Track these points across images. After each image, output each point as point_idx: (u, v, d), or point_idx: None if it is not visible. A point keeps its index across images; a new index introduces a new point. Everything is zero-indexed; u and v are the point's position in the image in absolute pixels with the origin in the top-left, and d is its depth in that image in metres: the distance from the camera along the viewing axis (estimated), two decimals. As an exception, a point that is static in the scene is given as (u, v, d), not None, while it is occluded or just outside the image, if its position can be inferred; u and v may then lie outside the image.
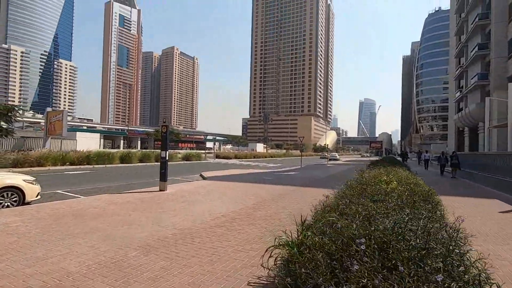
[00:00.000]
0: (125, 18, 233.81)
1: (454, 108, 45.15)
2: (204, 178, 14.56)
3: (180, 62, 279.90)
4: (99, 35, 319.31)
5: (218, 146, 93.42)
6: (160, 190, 9.48)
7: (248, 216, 6.05)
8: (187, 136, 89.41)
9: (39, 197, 7.53)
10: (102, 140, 49.40)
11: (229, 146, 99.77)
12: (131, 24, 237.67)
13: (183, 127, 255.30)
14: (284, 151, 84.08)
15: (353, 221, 2.98)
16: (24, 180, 7.18)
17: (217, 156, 37.39)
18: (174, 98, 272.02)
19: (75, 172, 15.49)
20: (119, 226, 5.09)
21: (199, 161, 28.28)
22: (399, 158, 36.65)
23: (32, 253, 3.79)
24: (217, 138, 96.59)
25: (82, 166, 17.96)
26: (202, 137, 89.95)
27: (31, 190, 7.25)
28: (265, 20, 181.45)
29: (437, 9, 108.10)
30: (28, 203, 7.14)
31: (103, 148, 45.69)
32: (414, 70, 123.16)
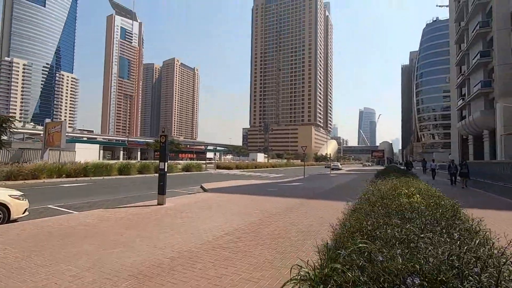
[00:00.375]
0: (126, 30, 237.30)
1: (457, 116, 44.80)
2: (205, 190, 13.97)
3: (181, 73, 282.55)
4: (101, 48, 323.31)
5: (218, 157, 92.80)
6: (158, 204, 8.89)
7: (255, 235, 5.46)
8: (188, 146, 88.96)
9: (27, 213, 6.96)
10: (101, 151, 48.86)
11: (229, 156, 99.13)
12: (132, 37, 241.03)
13: (184, 138, 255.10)
14: (285, 160, 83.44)
15: (392, 249, 2.41)
16: (10, 195, 6.62)
17: (218, 167, 36.77)
18: (175, 109, 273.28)
19: (71, 185, 14.90)
20: (109, 249, 4.50)
21: (199, 172, 27.65)
22: (402, 167, 35.96)
23: (3, 286, 3.21)
24: (218, 148, 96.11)
25: (79, 178, 17.38)
26: (203, 147, 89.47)
27: (18, 206, 6.69)
28: (264, 31, 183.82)
29: (434, 19, 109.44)
30: (15, 220, 6.56)
31: (103, 159, 45.09)
32: (413, 79, 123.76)
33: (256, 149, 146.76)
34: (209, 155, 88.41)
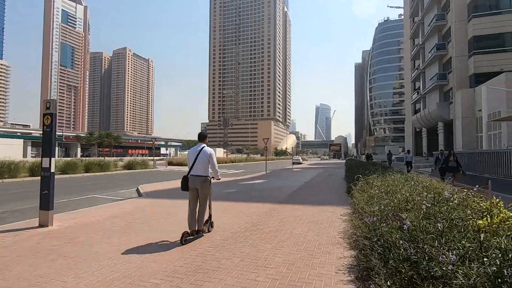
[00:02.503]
0: (69, 14, 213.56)
1: (411, 110, 46.19)
2: (140, 194, 10.59)
3: (134, 64, 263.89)
4: (39, 32, 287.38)
5: (175, 152, 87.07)
6: (40, 226, 5.47)
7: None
8: (139, 141, 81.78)
9: None
10: (29, 147, 41.39)
11: (186, 152, 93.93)
12: (76, 21, 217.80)
13: (138, 133, 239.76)
14: (246, 155, 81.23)
15: None
16: None
17: (170, 163, 32.67)
18: (127, 102, 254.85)
19: None
20: None
21: (145, 170, 23.58)
22: (363, 160, 35.64)
23: None
24: (173, 143, 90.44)
25: (-39, 183, 12.65)
26: (157, 142, 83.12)
27: None
28: (223, 24, 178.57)
29: (385, 19, 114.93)
30: None
31: (31, 157, 38.13)
32: (366, 77, 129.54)
33: (216, 144, 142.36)
34: (166, 150, 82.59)
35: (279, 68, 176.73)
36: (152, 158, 31.75)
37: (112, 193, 11.03)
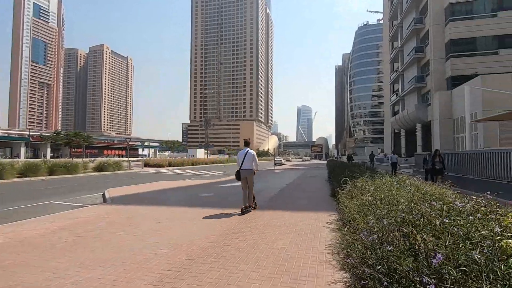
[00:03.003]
0: (41, 8, 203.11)
1: (390, 112, 47.05)
2: (105, 200, 9.52)
3: (112, 61, 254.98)
4: (8, 26, 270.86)
5: (154, 153, 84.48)
6: (-38, 245, 4.41)
7: None
8: (115, 142, 78.63)
9: None
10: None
11: (167, 153, 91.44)
12: (49, 15, 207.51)
13: (116, 133, 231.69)
14: (227, 156, 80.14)
15: None
16: None
17: (147, 164, 31.09)
18: (105, 101, 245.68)
19: None
20: None
21: (118, 172, 22.07)
22: (344, 161, 35.73)
23: None
24: (152, 144, 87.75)
25: None
26: (133, 143, 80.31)
27: None
28: (205, 23, 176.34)
29: (365, 23, 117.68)
30: None
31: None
32: (346, 79, 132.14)
33: (197, 145, 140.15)
34: (145, 151, 79.96)
35: (262, 69, 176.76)
36: (124, 159, 30.08)
37: (74, 199, 9.87)
